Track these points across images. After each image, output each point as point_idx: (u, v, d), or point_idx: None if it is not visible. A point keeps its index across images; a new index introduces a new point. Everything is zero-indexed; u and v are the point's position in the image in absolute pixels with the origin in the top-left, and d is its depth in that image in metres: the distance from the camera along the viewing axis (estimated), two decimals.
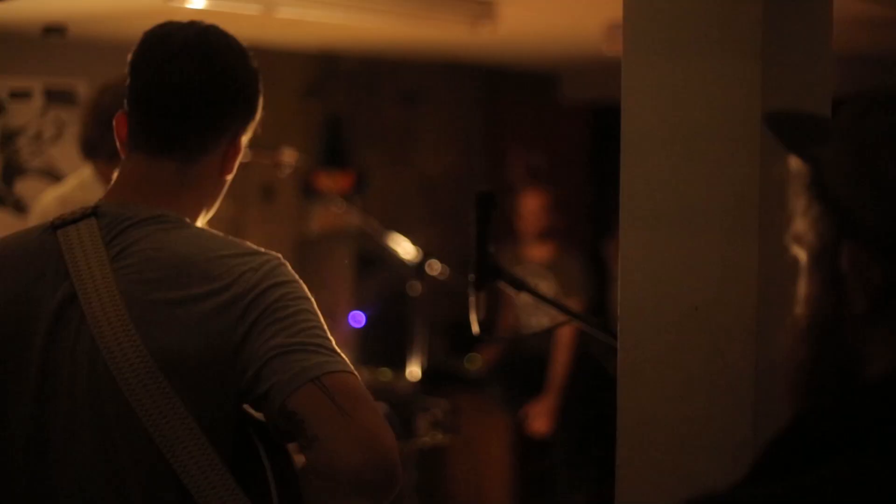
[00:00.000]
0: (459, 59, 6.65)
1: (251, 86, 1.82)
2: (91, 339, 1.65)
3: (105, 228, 1.72)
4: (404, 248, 4.81)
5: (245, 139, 1.84)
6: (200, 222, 1.84)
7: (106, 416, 1.64)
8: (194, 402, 1.61)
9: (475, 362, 5.89)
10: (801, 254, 1.11)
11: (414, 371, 4.91)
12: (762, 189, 1.92)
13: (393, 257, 4.86)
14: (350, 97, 6.47)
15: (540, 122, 7.15)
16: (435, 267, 4.82)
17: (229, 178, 1.85)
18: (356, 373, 1.65)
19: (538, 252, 5.81)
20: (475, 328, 2.36)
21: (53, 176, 5.26)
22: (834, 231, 1.07)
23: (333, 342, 1.66)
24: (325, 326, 1.68)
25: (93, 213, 1.75)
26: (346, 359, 1.66)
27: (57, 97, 5.39)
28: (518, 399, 5.65)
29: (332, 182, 5.05)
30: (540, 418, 5.54)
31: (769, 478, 1.01)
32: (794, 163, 1.11)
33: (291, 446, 1.68)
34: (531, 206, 5.83)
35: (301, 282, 1.71)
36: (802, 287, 1.11)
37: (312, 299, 1.70)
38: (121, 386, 1.61)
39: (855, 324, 1.06)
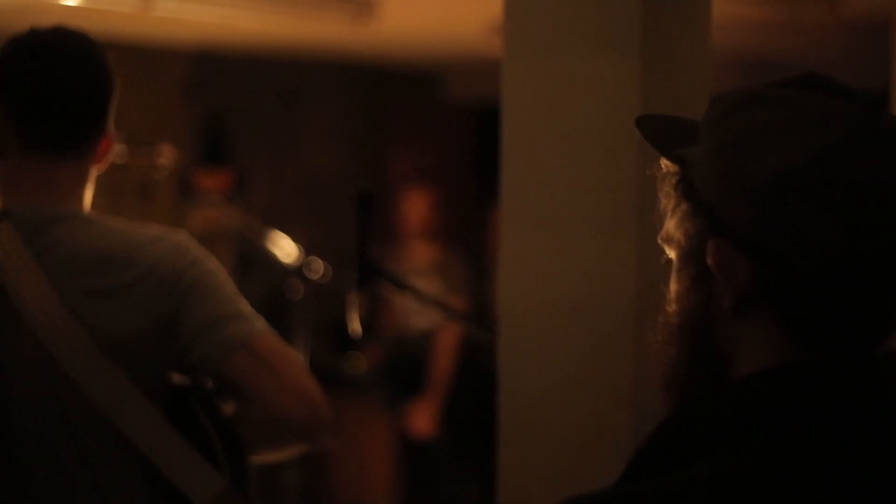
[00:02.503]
0: (341, 58, 6.61)
1: (113, 75, 1.93)
2: (32, 336, 1.77)
3: (19, 230, 1.81)
4: (286, 248, 4.76)
5: (112, 121, 1.95)
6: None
7: (65, 405, 1.79)
8: (137, 377, 1.79)
9: (357, 364, 5.85)
10: (672, 253, 1.11)
11: None
12: (640, 189, 1.93)
13: (274, 258, 4.80)
14: (230, 95, 6.39)
15: (423, 121, 7.14)
16: (317, 267, 4.77)
17: (105, 157, 1.95)
18: (273, 330, 1.86)
19: (423, 252, 5.78)
20: (355, 328, 2.34)
21: None
22: (701, 229, 1.07)
23: (248, 304, 1.87)
24: (237, 290, 1.88)
25: (2, 216, 1.83)
26: (261, 318, 1.86)
27: None
28: (401, 401, 5.61)
29: (211, 181, 4.93)
30: (421, 419, 5.52)
31: (640, 478, 1.01)
32: (664, 163, 1.11)
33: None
34: (415, 206, 5.80)
35: (209, 254, 1.89)
36: (673, 285, 1.11)
37: (222, 268, 1.90)
38: (72, 375, 1.76)
39: (722, 321, 1.07)
